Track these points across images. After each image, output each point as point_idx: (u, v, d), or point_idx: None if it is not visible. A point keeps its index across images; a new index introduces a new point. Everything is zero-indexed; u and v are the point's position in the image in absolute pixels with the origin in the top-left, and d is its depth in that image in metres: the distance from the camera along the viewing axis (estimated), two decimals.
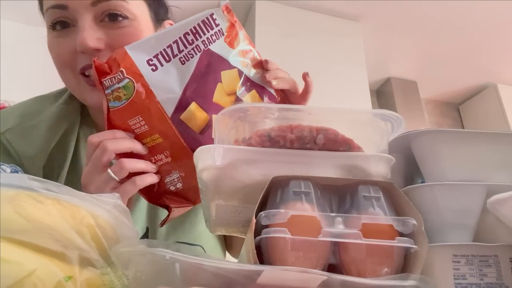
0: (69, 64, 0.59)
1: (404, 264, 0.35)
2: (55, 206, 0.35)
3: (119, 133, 0.51)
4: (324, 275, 0.31)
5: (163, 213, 0.63)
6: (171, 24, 0.69)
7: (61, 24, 0.58)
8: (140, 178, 0.51)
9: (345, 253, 0.35)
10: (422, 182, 0.44)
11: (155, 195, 0.56)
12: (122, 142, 0.50)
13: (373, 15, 2.61)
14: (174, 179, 0.54)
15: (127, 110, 0.51)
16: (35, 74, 2.48)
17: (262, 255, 0.34)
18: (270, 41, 2.31)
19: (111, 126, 0.53)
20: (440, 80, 3.32)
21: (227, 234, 0.50)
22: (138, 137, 0.53)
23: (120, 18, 0.58)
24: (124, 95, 0.50)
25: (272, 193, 0.37)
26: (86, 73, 0.58)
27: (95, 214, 0.37)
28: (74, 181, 0.62)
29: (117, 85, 0.51)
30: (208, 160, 0.38)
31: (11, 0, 2.30)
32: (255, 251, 0.33)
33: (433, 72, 3.19)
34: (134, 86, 0.50)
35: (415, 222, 0.34)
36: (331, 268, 0.35)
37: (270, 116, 0.41)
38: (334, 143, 0.40)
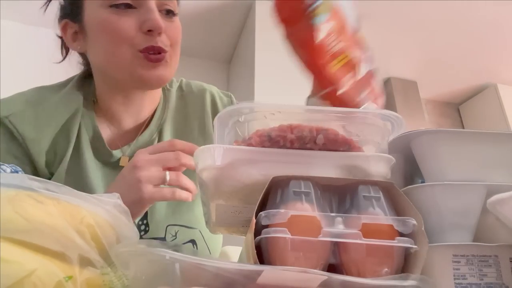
0: (128, 40, 0.62)
1: (404, 264, 0.35)
2: (55, 206, 0.35)
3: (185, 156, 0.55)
4: (324, 275, 0.31)
5: None
6: None
7: (125, 5, 0.62)
8: (179, 192, 0.55)
9: (345, 253, 0.35)
10: (422, 182, 0.44)
11: None
12: (191, 160, 0.54)
13: (373, 15, 2.61)
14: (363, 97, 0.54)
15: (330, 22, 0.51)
16: (35, 74, 2.48)
17: (262, 255, 0.34)
18: (270, 41, 2.31)
19: (316, 50, 0.52)
20: (440, 80, 3.32)
21: (228, 234, 0.50)
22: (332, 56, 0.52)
23: (172, 14, 0.66)
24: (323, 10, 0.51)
25: (272, 193, 0.37)
26: (151, 53, 0.62)
27: (95, 214, 0.37)
28: (76, 166, 0.65)
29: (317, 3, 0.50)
30: (208, 160, 0.38)
31: (11, 0, 2.30)
32: (255, 251, 0.33)
33: (433, 72, 3.19)
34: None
35: (415, 222, 0.34)
36: (331, 268, 0.35)
37: (270, 116, 0.41)
38: (334, 143, 0.40)
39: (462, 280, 0.36)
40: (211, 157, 0.38)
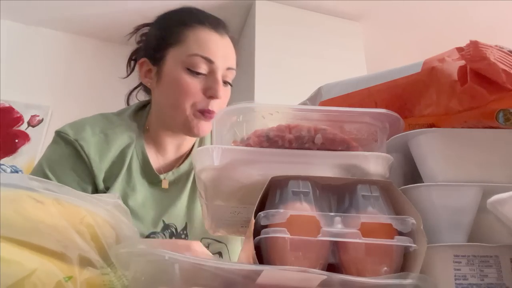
0: (192, 100, 0.76)
1: (403, 263, 0.35)
2: (55, 206, 0.35)
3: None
4: (324, 275, 0.31)
5: (198, 211, 0.82)
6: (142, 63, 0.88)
7: (197, 72, 0.77)
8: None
9: (344, 253, 0.35)
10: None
11: None
12: None
13: (373, 15, 2.61)
14: None
15: None
16: (35, 74, 2.48)
17: (262, 255, 0.34)
18: (270, 41, 2.31)
19: None
20: None
21: (227, 235, 0.50)
22: None
23: (228, 84, 0.81)
24: None
25: (271, 193, 0.37)
26: (206, 113, 0.77)
27: (95, 214, 0.37)
28: (126, 185, 0.78)
29: None
30: (206, 160, 0.38)
31: (11, 0, 2.30)
32: (255, 251, 0.33)
33: None
34: None
35: (414, 221, 0.34)
36: (331, 267, 0.35)
37: (269, 116, 0.41)
38: (333, 143, 0.40)
39: (463, 280, 0.36)
40: (209, 157, 0.38)
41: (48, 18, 2.50)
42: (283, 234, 0.32)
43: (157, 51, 0.81)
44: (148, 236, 0.76)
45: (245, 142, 0.40)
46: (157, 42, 0.81)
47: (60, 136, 0.78)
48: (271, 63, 2.25)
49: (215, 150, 0.38)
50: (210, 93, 0.76)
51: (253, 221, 0.33)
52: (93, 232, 0.36)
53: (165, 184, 0.82)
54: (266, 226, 0.33)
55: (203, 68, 0.76)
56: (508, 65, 0.39)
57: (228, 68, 0.79)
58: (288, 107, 0.42)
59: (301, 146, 0.40)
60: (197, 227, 0.82)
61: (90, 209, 0.37)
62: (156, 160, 0.83)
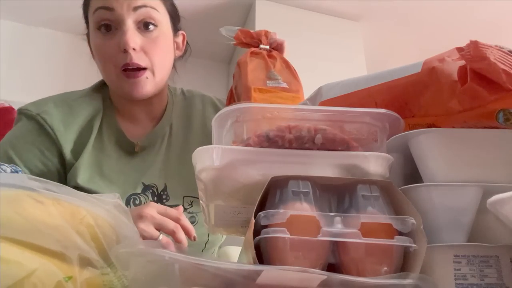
0: (112, 60, 0.72)
1: (404, 263, 0.35)
2: (55, 206, 0.35)
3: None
4: (324, 275, 0.31)
5: (176, 170, 0.80)
6: (183, 35, 0.85)
7: (105, 27, 0.72)
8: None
9: (344, 253, 0.35)
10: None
11: None
12: (184, 238, 0.59)
13: (373, 15, 2.61)
14: None
15: None
16: (35, 74, 2.48)
17: (262, 255, 0.34)
18: None
19: None
20: None
21: (227, 235, 0.50)
22: None
23: (152, 27, 0.73)
24: None
25: (271, 193, 0.37)
26: (129, 67, 0.71)
27: (95, 214, 0.37)
28: (97, 150, 0.77)
29: None
30: (206, 160, 0.38)
31: (11, 0, 2.30)
32: (255, 251, 0.33)
33: None
34: None
35: (414, 221, 0.34)
36: (331, 267, 0.35)
37: (269, 116, 0.41)
38: (333, 143, 0.40)
39: (463, 280, 0.36)
40: (209, 157, 0.38)
41: (48, 18, 2.50)
42: (283, 234, 0.32)
43: (86, 22, 0.78)
44: (128, 198, 0.75)
45: (245, 142, 0.40)
46: (83, 12, 0.78)
47: (22, 113, 0.76)
48: None
49: (215, 150, 0.38)
50: (121, 47, 0.70)
51: (253, 221, 0.33)
52: (93, 232, 0.36)
53: (137, 148, 0.80)
54: (266, 226, 0.33)
55: (107, 22, 0.71)
56: (508, 65, 0.39)
57: (136, 8, 0.71)
58: (288, 107, 0.42)
59: (301, 146, 0.40)
60: (176, 186, 0.80)
61: (90, 209, 0.37)
62: (128, 129, 0.81)
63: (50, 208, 0.35)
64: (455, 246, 0.38)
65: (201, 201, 0.45)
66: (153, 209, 0.59)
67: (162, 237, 0.59)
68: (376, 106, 0.48)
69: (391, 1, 2.47)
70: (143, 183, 0.77)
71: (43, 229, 0.33)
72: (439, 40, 2.82)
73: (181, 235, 0.58)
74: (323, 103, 0.54)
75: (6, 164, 0.50)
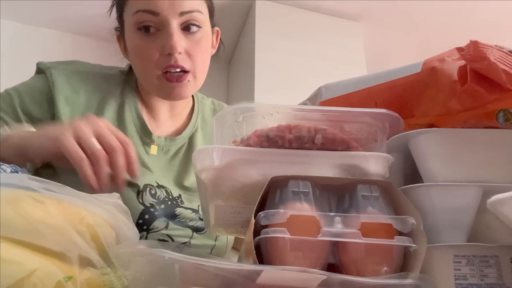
0: (153, 63, 0.69)
1: (404, 263, 0.35)
2: (55, 206, 0.35)
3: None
4: (324, 275, 0.31)
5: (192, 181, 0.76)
6: (218, 31, 0.83)
7: (145, 28, 0.69)
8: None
9: (344, 253, 0.35)
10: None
11: None
12: (121, 163, 0.54)
13: (373, 15, 2.61)
14: None
15: None
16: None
17: (262, 255, 0.34)
18: (270, 41, 2.31)
19: None
20: None
21: (227, 235, 0.50)
22: None
23: (195, 28, 0.71)
24: None
25: (271, 193, 0.37)
26: (172, 70, 0.69)
27: (95, 214, 0.37)
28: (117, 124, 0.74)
29: None
30: (206, 160, 0.38)
31: (11, 0, 2.30)
32: (255, 251, 0.33)
33: None
34: None
35: (414, 221, 0.34)
36: (331, 267, 0.35)
37: (269, 116, 0.41)
38: (333, 143, 0.40)
39: (463, 280, 0.36)
40: (209, 157, 0.38)
41: (48, 18, 2.50)
42: (283, 234, 0.32)
43: (119, 20, 0.75)
44: (145, 187, 0.69)
45: (245, 142, 0.40)
46: (116, 10, 0.75)
47: (37, 66, 0.76)
48: (271, 63, 2.25)
49: (215, 150, 0.38)
50: (166, 51, 0.68)
51: (253, 221, 0.33)
52: (93, 232, 0.36)
53: (153, 150, 0.76)
54: (266, 226, 0.33)
55: (150, 24, 0.68)
56: (508, 65, 0.39)
57: (183, 13, 0.69)
58: (288, 107, 0.42)
59: (301, 146, 0.39)
60: (191, 196, 0.75)
61: (90, 209, 0.37)
62: (148, 121, 0.78)
63: (50, 208, 0.35)
64: (455, 246, 0.38)
65: (201, 201, 0.45)
66: (97, 120, 0.54)
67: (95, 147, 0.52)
68: (376, 106, 0.48)
69: (391, 1, 2.47)
70: (157, 182, 0.73)
71: (43, 229, 0.33)
72: (439, 40, 2.82)
73: (120, 159, 0.52)
74: (323, 103, 0.54)
75: (6, 164, 0.50)
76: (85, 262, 0.34)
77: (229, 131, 0.41)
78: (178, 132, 0.81)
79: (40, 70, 0.76)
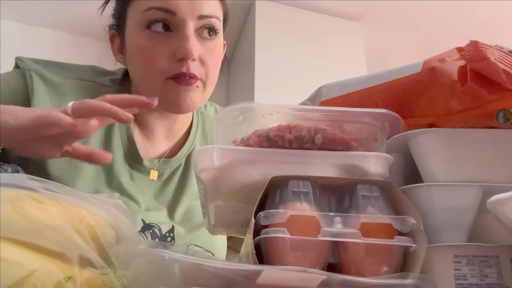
0: (160, 67, 0.60)
1: (403, 263, 0.35)
2: (55, 206, 0.35)
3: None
4: (324, 275, 0.31)
5: (185, 209, 0.70)
6: (224, 44, 0.73)
7: (163, 26, 0.60)
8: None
9: (344, 253, 0.35)
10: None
11: None
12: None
13: (373, 15, 2.61)
14: None
15: None
16: None
17: (262, 255, 0.34)
18: (270, 41, 2.31)
19: None
20: None
21: (227, 235, 0.50)
22: None
23: (213, 35, 0.64)
24: None
25: (271, 193, 0.37)
26: (181, 78, 0.61)
27: (95, 214, 0.37)
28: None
29: None
30: (206, 160, 0.38)
31: (11, 0, 2.30)
32: (255, 251, 0.33)
33: None
34: None
35: (414, 221, 0.34)
36: (331, 267, 0.35)
37: (269, 116, 0.41)
38: (333, 143, 0.40)
39: (463, 280, 0.36)
40: (209, 157, 0.38)
41: (48, 18, 2.50)
42: (283, 234, 0.32)
43: (120, 18, 0.66)
44: None
45: (245, 142, 0.40)
46: (117, 6, 0.67)
47: (15, 62, 0.66)
48: (271, 63, 2.25)
49: (215, 150, 0.38)
50: (179, 55, 0.59)
51: (253, 221, 0.33)
52: (93, 232, 0.36)
53: (153, 175, 0.68)
54: (266, 226, 0.33)
55: (164, 24, 0.60)
56: (508, 65, 0.39)
57: (202, 16, 0.61)
58: (288, 107, 0.42)
59: (301, 146, 0.39)
60: (181, 233, 0.69)
61: (90, 209, 0.37)
62: (141, 143, 0.69)
63: (50, 208, 0.35)
64: (455, 246, 0.38)
65: (201, 201, 0.45)
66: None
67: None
68: (376, 106, 0.48)
69: (391, 1, 2.47)
70: (142, 220, 0.65)
71: (43, 229, 0.33)
72: (439, 40, 2.83)
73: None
74: (323, 103, 0.54)
75: (6, 164, 0.50)
76: (85, 262, 0.34)
77: (229, 131, 0.41)
78: (173, 152, 0.73)
79: (18, 66, 0.66)
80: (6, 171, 0.49)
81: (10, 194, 0.34)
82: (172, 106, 0.63)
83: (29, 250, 0.32)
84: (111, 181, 0.65)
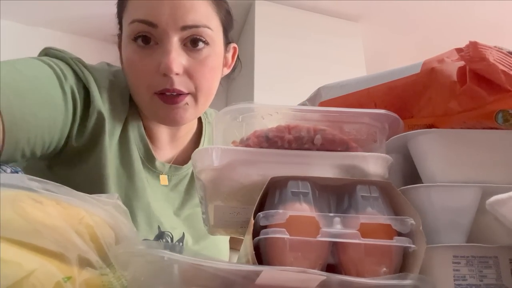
0: (146, 81, 0.60)
1: (403, 263, 0.35)
2: (55, 206, 0.35)
3: None
4: (323, 275, 0.31)
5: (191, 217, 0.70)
6: (235, 48, 0.73)
7: (143, 39, 0.59)
8: None
9: (344, 253, 0.35)
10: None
11: None
12: None
13: (372, 15, 2.61)
14: None
15: None
16: None
17: (261, 256, 0.34)
18: (269, 41, 2.31)
19: None
20: None
21: (226, 235, 0.50)
22: None
23: (201, 44, 0.60)
24: None
25: (271, 194, 0.37)
26: (167, 94, 0.59)
27: (94, 214, 0.37)
28: (123, 154, 0.64)
29: None
30: (206, 161, 0.38)
31: (11, 0, 2.30)
32: (254, 252, 0.33)
33: None
34: None
35: (413, 221, 0.34)
36: (330, 268, 0.35)
37: (268, 117, 0.41)
38: (332, 143, 0.40)
39: (462, 281, 0.36)
40: (209, 158, 0.38)
41: (48, 18, 2.50)
42: (283, 234, 0.32)
43: (119, 27, 0.66)
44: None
45: (245, 143, 0.40)
46: (117, 15, 0.66)
47: (48, 53, 0.60)
48: (271, 63, 2.25)
49: (215, 151, 0.38)
50: (162, 70, 0.57)
51: (252, 221, 0.33)
52: (92, 233, 0.36)
53: (163, 180, 0.68)
54: (265, 227, 0.33)
55: (146, 38, 0.59)
56: (508, 66, 0.39)
57: (186, 27, 0.58)
58: (287, 108, 0.42)
59: (301, 147, 0.40)
60: (189, 241, 0.68)
61: (89, 210, 0.37)
62: (150, 146, 0.69)
63: (50, 208, 0.35)
64: (454, 247, 0.38)
65: (200, 202, 0.45)
66: None
67: None
68: (376, 107, 0.48)
69: (391, 1, 2.48)
70: (159, 227, 0.64)
71: (42, 230, 0.33)
72: (438, 40, 2.83)
73: None
74: (322, 104, 0.54)
75: (6, 165, 0.50)
76: (84, 263, 0.34)
77: (229, 131, 0.41)
78: (182, 159, 0.72)
79: (60, 58, 0.61)
80: (5, 171, 0.49)
81: (9, 194, 0.34)
82: (162, 121, 0.63)
83: (28, 251, 0.32)
84: (132, 186, 0.64)
